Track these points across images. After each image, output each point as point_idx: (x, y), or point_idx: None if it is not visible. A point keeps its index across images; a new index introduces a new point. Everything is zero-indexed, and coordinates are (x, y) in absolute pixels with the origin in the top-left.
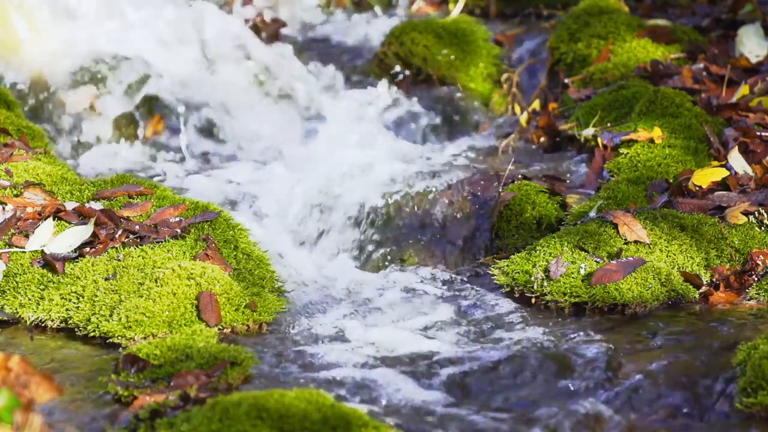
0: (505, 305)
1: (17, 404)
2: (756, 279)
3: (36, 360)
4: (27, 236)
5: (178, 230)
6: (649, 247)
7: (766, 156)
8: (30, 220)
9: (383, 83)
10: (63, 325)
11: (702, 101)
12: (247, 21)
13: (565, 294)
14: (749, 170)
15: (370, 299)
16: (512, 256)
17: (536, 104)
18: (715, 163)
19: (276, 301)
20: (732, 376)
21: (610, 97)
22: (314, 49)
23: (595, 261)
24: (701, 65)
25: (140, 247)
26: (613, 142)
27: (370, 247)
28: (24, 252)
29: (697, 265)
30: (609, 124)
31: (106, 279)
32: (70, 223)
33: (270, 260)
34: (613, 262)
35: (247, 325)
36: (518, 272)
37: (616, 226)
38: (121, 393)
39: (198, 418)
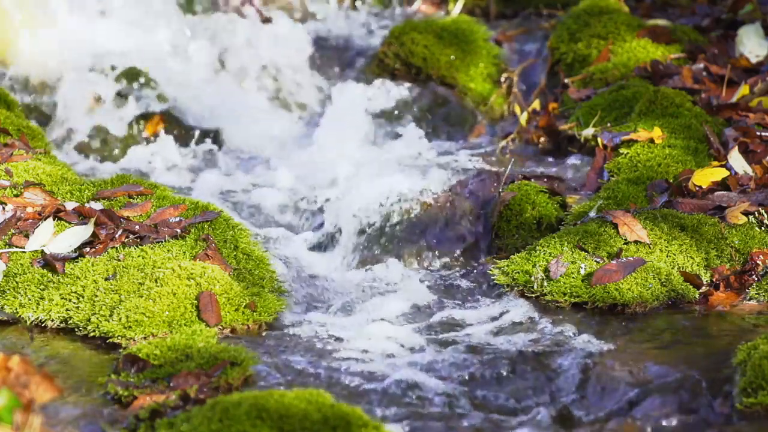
0: (505, 305)
1: (17, 404)
2: (756, 279)
3: (36, 360)
4: (27, 236)
5: (178, 230)
6: (649, 247)
7: (766, 156)
8: (30, 220)
9: (382, 84)
10: (63, 325)
11: (702, 101)
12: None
13: (565, 294)
14: (749, 170)
15: (369, 299)
16: (512, 256)
17: (536, 104)
18: (715, 163)
19: (276, 301)
20: (732, 376)
21: (610, 97)
22: (314, 49)
23: (595, 261)
24: (701, 65)
25: (140, 247)
26: (613, 142)
27: (369, 247)
28: (24, 252)
29: (697, 265)
30: (609, 124)
31: (106, 279)
32: (70, 223)
33: (269, 260)
34: (613, 262)
35: (247, 325)
36: (518, 272)
37: (616, 226)
38: (121, 393)
39: (198, 418)
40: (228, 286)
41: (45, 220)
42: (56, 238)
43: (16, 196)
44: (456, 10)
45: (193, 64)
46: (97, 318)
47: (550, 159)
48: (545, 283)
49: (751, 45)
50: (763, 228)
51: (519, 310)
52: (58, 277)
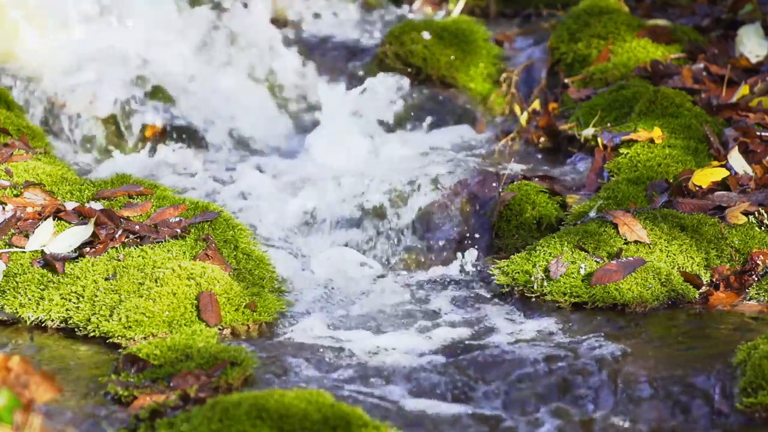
0: (505, 305)
1: (17, 404)
2: (756, 279)
3: (36, 360)
4: (27, 236)
5: (178, 230)
6: (649, 247)
7: (766, 156)
8: (30, 220)
9: (382, 84)
10: (63, 325)
11: (702, 101)
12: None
13: (565, 294)
14: (749, 170)
15: (369, 299)
16: (512, 256)
17: (536, 104)
18: (715, 163)
19: (276, 301)
20: (732, 376)
21: (610, 97)
22: (314, 48)
23: (595, 261)
24: (701, 65)
25: (140, 247)
26: (613, 142)
27: (369, 248)
28: (24, 252)
29: (697, 265)
30: (609, 124)
31: (106, 279)
32: (70, 223)
33: (269, 260)
34: (613, 262)
35: (247, 325)
36: (518, 272)
37: (616, 226)
38: (121, 393)
39: (198, 418)
40: (228, 286)
41: (45, 220)
42: (56, 238)
43: (16, 196)
44: (456, 10)
45: (195, 64)
46: (97, 318)
47: (550, 159)
48: (545, 283)
49: (751, 45)
50: (763, 228)
51: (519, 311)
52: (58, 277)
